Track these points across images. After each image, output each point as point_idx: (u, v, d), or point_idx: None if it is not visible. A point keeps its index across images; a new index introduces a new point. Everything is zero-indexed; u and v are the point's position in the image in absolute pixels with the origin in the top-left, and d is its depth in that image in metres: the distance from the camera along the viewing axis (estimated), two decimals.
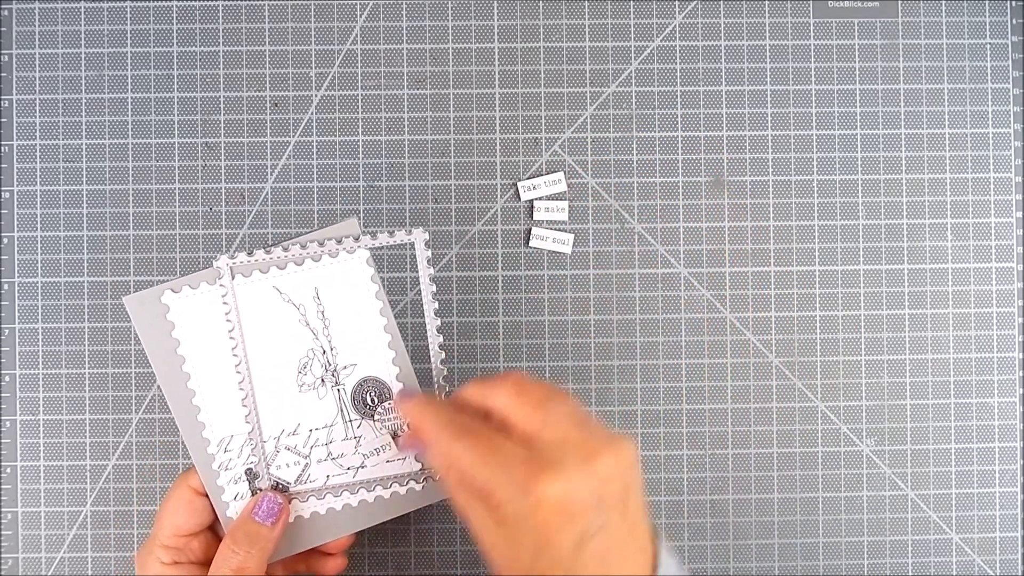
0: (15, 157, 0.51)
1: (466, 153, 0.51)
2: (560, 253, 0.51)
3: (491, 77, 0.52)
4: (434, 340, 0.44)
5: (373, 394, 0.44)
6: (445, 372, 0.44)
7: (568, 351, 0.51)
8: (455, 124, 0.51)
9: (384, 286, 0.43)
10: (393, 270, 0.51)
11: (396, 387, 0.44)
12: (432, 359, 0.44)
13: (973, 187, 0.52)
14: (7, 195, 0.51)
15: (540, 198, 0.51)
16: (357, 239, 0.43)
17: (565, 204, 0.51)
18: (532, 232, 0.51)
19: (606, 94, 0.52)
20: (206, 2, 0.51)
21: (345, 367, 0.43)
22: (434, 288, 0.44)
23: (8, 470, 0.51)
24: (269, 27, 0.51)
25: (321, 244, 0.43)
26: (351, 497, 0.43)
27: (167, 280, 0.42)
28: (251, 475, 0.43)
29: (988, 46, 0.52)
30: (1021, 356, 0.52)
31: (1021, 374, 0.52)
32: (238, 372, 0.42)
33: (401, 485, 0.44)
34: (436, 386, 0.44)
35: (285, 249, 0.43)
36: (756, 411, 0.52)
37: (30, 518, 0.51)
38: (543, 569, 0.35)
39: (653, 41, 0.52)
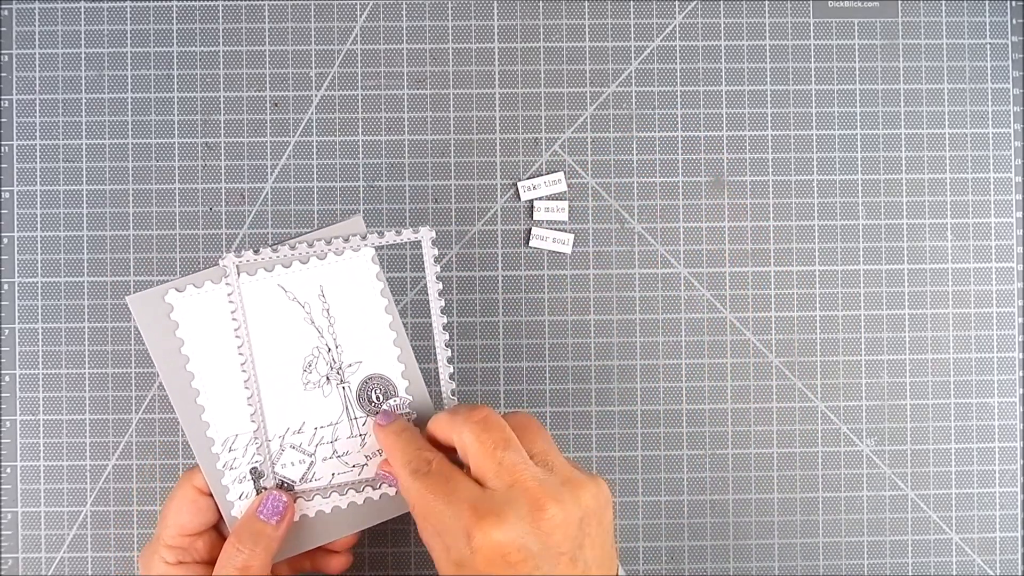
0: (15, 157, 0.51)
1: (466, 153, 0.51)
2: (560, 253, 0.51)
3: (491, 77, 0.52)
4: (440, 338, 0.44)
5: (378, 392, 0.43)
6: (451, 370, 0.44)
7: (568, 351, 0.51)
8: (455, 124, 0.51)
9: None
10: (393, 270, 0.51)
11: (402, 384, 0.44)
12: (438, 357, 0.44)
13: (973, 187, 0.52)
14: (7, 195, 0.51)
15: (540, 198, 0.51)
16: (364, 237, 0.43)
17: (565, 204, 0.51)
18: (532, 232, 0.51)
19: (606, 94, 0.52)
20: (206, 2, 0.51)
21: (350, 365, 0.43)
22: (440, 287, 0.44)
23: (8, 470, 0.51)
24: (269, 27, 0.51)
25: (327, 242, 0.43)
26: (356, 495, 0.43)
27: (168, 280, 0.42)
28: (256, 474, 0.43)
29: (988, 46, 0.52)
30: (1021, 356, 0.52)
31: (1021, 374, 0.52)
32: (243, 371, 0.42)
33: None
34: (442, 384, 0.44)
35: (292, 248, 0.42)
36: (756, 411, 0.52)
37: (30, 518, 0.51)
38: None
39: (653, 41, 0.52)
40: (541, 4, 0.52)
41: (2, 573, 0.50)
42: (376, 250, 0.43)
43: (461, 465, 0.39)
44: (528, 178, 0.52)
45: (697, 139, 0.52)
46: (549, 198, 0.51)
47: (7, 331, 0.51)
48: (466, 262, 0.51)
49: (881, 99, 0.52)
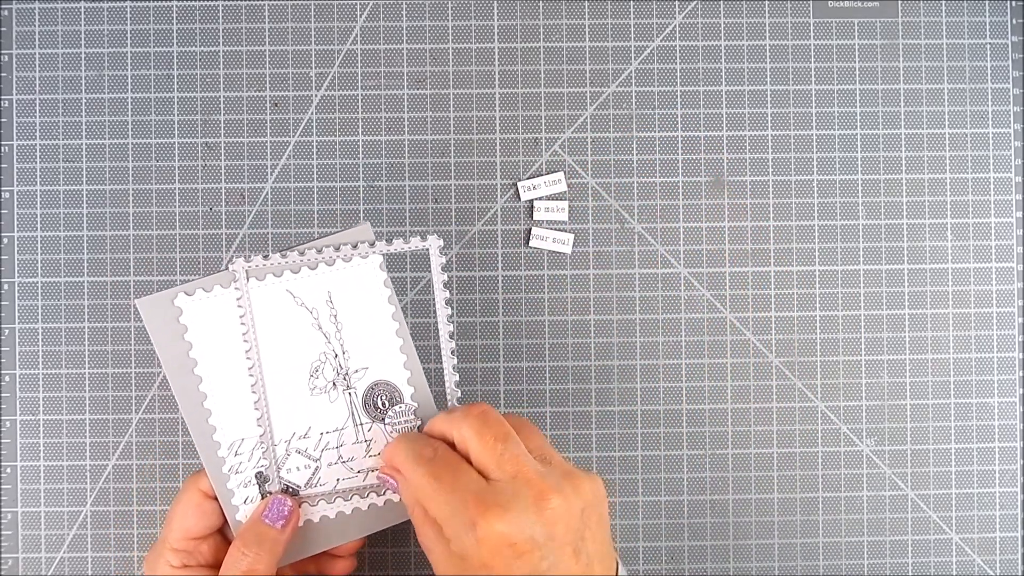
0: (15, 157, 0.51)
1: (466, 153, 0.51)
2: (560, 253, 0.51)
3: (491, 77, 0.52)
4: (447, 346, 0.44)
5: (384, 398, 0.44)
6: (457, 377, 0.44)
7: (568, 351, 0.51)
8: (455, 124, 0.51)
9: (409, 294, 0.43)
10: (393, 270, 0.51)
11: (407, 391, 0.44)
12: (444, 364, 0.44)
13: (973, 187, 0.52)
14: (7, 195, 0.51)
15: (540, 198, 0.51)
16: (372, 244, 0.43)
17: (565, 204, 0.51)
18: (532, 232, 0.51)
19: (606, 94, 0.52)
20: (206, 2, 0.51)
21: (356, 371, 0.43)
22: (447, 295, 0.44)
23: (8, 470, 0.51)
24: (269, 27, 0.51)
25: (336, 249, 0.43)
26: (361, 501, 0.43)
27: (169, 279, 0.42)
28: (261, 479, 0.43)
29: (988, 46, 0.52)
30: (1021, 356, 0.52)
31: (1021, 374, 0.52)
32: (250, 375, 0.42)
33: None
34: (448, 390, 0.44)
35: (301, 253, 0.43)
36: (756, 411, 0.52)
37: (30, 518, 0.51)
38: None
39: (653, 41, 0.52)
40: (541, 4, 0.52)
41: (2, 573, 0.50)
42: (384, 257, 0.43)
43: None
44: (528, 178, 0.52)
45: (697, 139, 0.52)
46: (549, 198, 0.51)
47: (7, 331, 0.51)
48: (466, 262, 0.51)
49: (881, 99, 0.52)
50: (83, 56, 0.51)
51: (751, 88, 0.52)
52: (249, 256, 0.42)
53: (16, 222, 0.51)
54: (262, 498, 0.43)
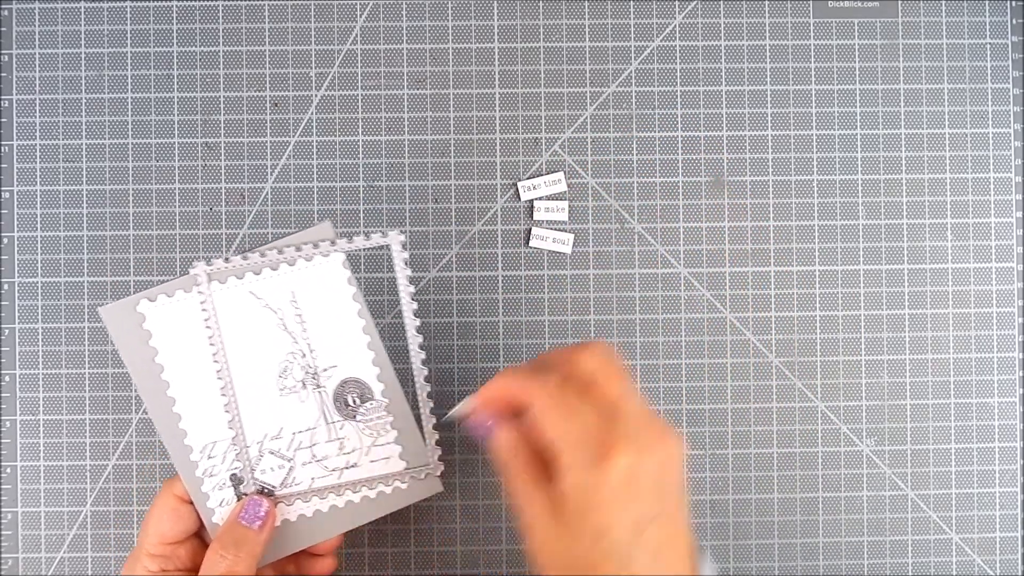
0: (15, 157, 0.51)
1: (466, 153, 0.51)
2: (560, 253, 0.51)
3: (491, 77, 0.52)
4: (414, 340, 0.44)
5: (355, 395, 0.44)
6: (426, 372, 0.44)
7: None
8: (455, 124, 0.51)
9: (363, 287, 0.43)
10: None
11: (378, 387, 0.44)
12: (412, 359, 0.44)
13: (973, 187, 0.52)
14: (7, 195, 0.51)
15: (540, 198, 0.51)
16: (333, 243, 0.43)
17: (565, 204, 0.51)
18: (532, 232, 0.51)
19: (606, 94, 0.52)
20: (206, 2, 0.51)
21: (325, 369, 0.43)
22: (412, 289, 0.44)
23: (8, 470, 0.51)
24: (269, 27, 0.51)
25: (297, 249, 0.43)
26: (337, 498, 0.44)
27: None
28: (236, 480, 0.43)
29: (988, 46, 0.52)
30: (1021, 356, 0.52)
31: (1021, 374, 0.52)
32: (219, 378, 0.43)
33: (387, 485, 0.44)
34: (418, 387, 0.44)
35: (262, 254, 0.43)
36: (756, 411, 0.52)
37: (30, 518, 0.51)
38: (598, 559, 0.34)
39: (653, 41, 0.52)
40: (541, 4, 0.52)
41: (2, 573, 0.50)
42: (352, 252, 0.43)
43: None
44: (528, 178, 0.52)
45: (697, 139, 0.52)
46: (549, 198, 0.51)
47: (7, 331, 0.51)
48: (466, 262, 0.51)
49: (881, 99, 0.52)
50: (83, 56, 0.51)
51: (751, 88, 0.52)
52: (210, 259, 0.42)
53: (16, 222, 0.51)
54: (238, 500, 0.43)
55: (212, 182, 0.51)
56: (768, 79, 0.52)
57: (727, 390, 0.52)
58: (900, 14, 0.52)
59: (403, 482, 0.44)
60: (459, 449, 0.51)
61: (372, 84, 0.51)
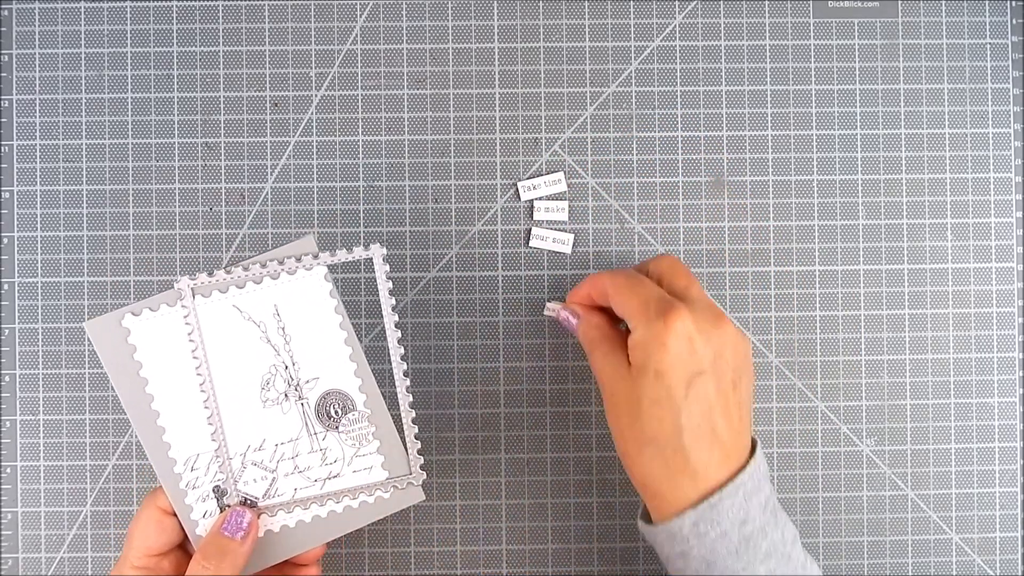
0: (15, 157, 0.51)
1: (466, 153, 0.51)
2: (560, 253, 0.51)
3: (491, 77, 0.52)
4: (395, 352, 0.44)
5: (337, 406, 0.44)
6: (408, 383, 0.44)
7: (568, 351, 0.51)
8: (455, 124, 0.51)
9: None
10: (393, 270, 0.51)
11: (360, 398, 0.44)
12: (394, 371, 0.44)
13: (973, 187, 0.52)
14: (7, 195, 0.51)
15: (540, 198, 0.51)
16: (315, 256, 0.43)
17: (565, 204, 0.51)
18: (532, 232, 0.51)
19: (606, 94, 0.52)
20: (206, 2, 0.51)
21: (308, 381, 0.44)
22: (394, 302, 0.44)
23: (8, 470, 0.51)
24: (269, 27, 0.51)
25: (280, 262, 0.43)
26: (320, 509, 0.44)
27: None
28: (219, 492, 0.43)
29: (988, 46, 0.52)
30: (1021, 356, 0.52)
31: (1021, 374, 0.52)
32: (202, 391, 0.43)
33: (368, 495, 0.44)
34: (400, 398, 0.44)
35: (245, 268, 0.43)
36: (756, 411, 0.52)
37: (30, 518, 0.51)
38: (657, 396, 0.40)
39: (653, 41, 0.52)
40: (541, 4, 0.52)
41: (2, 573, 0.50)
42: (329, 268, 0.44)
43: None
44: (528, 178, 0.52)
45: (697, 139, 0.52)
46: (549, 198, 0.51)
47: (7, 331, 0.51)
48: (466, 262, 0.51)
49: (881, 99, 0.52)
50: (83, 56, 0.51)
51: (751, 88, 0.52)
52: (194, 274, 0.43)
53: (16, 222, 0.51)
54: (221, 511, 0.43)
55: (212, 182, 0.51)
56: (768, 79, 0.52)
57: None
58: (900, 14, 0.52)
59: (385, 492, 0.44)
60: (459, 449, 0.51)
61: (372, 84, 0.51)
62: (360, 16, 0.52)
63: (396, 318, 0.44)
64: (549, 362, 0.51)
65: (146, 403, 0.43)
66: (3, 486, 0.51)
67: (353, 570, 0.51)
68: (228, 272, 0.43)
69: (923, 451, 0.52)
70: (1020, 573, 0.52)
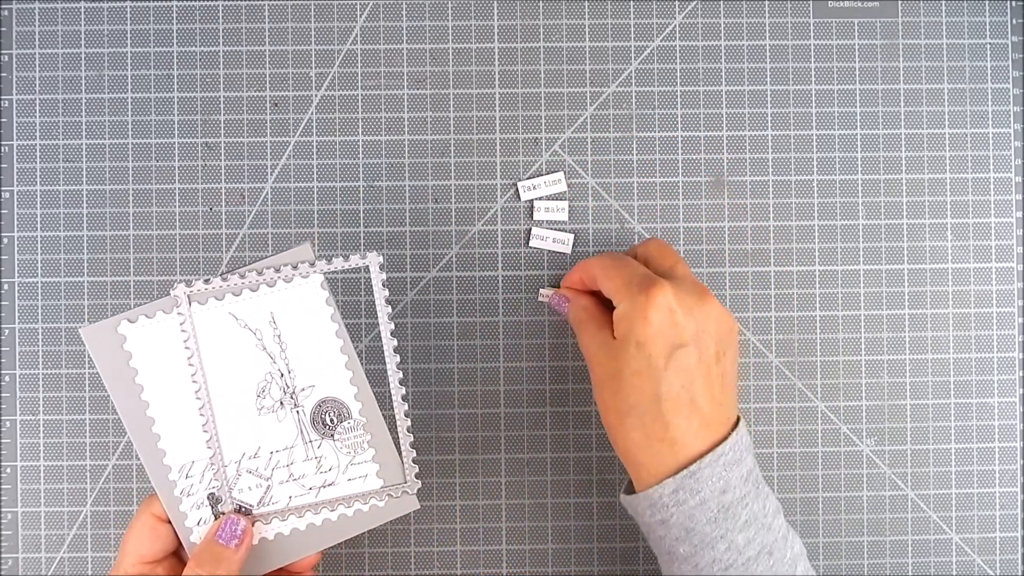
0: (15, 157, 0.51)
1: (466, 153, 0.51)
2: (560, 253, 0.51)
3: (491, 77, 0.52)
4: (391, 360, 0.44)
5: (332, 414, 0.44)
6: (404, 391, 0.44)
7: (568, 351, 0.51)
8: (455, 124, 0.51)
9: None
10: (392, 270, 0.51)
11: (355, 407, 0.44)
12: (389, 380, 0.44)
13: (973, 187, 0.52)
14: (7, 195, 0.51)
15: (540, 198, 0.51)
16: (312, 264, 0.43)
17: (565, 204, 0.51)
18: (532, 232, 0.51)
19: (606, 94, 0.52)
20: (206, 2, 0.51)
21: (303, 389, 0.44)
22: (390, 310, 0.44)
23: (8, 470, 0.51)
24: (269, 27, 0.51)
25: (276, 270, 0.43)
26: (314, 517, 0.44)
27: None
28: (214, 499, 0.43)
29: (988, 46, 0.52)
30: (1021, 356, 0.52)
31: (1021, 374, 0.52)
32: (198, 398, 0.43)
33: (363, 503, 0.44)
34: (395, 407, 0.44)
35: (242, 276, 0.43)
36: (756, 411, 0.52)
37: (30, 518, 0.51)
38: (637, 367, 0.40)
39: (653, 41, 0.52)
40: (541, 4, 0.52)
41: (2, 573, 0.50)
42: (326, 277, 0.44)
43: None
44: (528, 178, 0.52)
45: (697, 139, 0.52)
46: (549, 198, 0.51)
47: (7, 331, 0.51)
48: (466, 262, 0.51)
49: (881, 99, 0.52)
50: (83, 56, 0.51)
51: (751, 88, 0.52)
52: (190, 281, 0.43)
53: (16, 222, 0.51)
54: (215, 519, 0.43)
55: (212, 182, 0.51)
56: (768, 79, 0.52)
57: None
58: (900, 14, 0.52)
59: (380, 500, 0.44)
60: (459, 449, 0.51)
61: (372, 84, 0.51)
62: (360, 16, 0.52)
63: (392, 326, 0.44)
64: (549, 362, 0.51)
65: (141, 410, 0.43)
66: (3, 486, 0.51)
67: (353, 570, 0.51)
68: (224, 279, 0.43)
69: (923, 451, 0.52)
70: (1020, 573, 0.52)
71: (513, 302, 0.51)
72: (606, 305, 0.46)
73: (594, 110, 0.52)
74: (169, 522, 0.43)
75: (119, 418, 0.50)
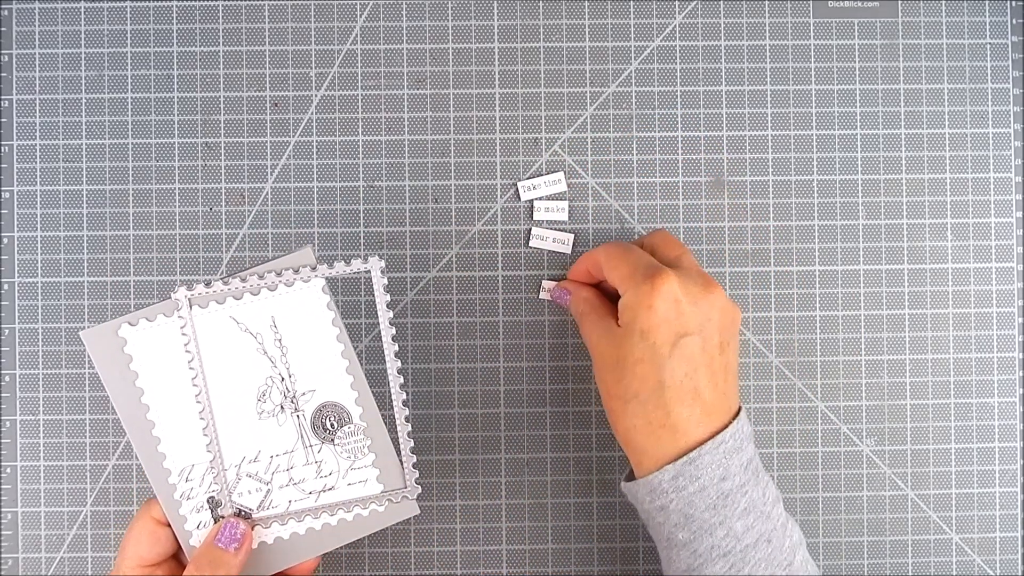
0: (15, 157, 0.51)
1: (466, 153, 0.51)
2: (560, 253, 0.51)
3: (491, 77, 0.52)
4: (392, 365, 0.44)
5: (333, 419, 0.44)
6: (404, 396, 0.44)
7: (568, 351, 0.51)
8: (455, 124, 0.52)
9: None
10: (392, 270, 0.51)
11: (356, 411, 0.44)
12: (390, 384, 0.44)
13: (973, 187, 0.52)
14: (7, 195, 0.51)
15: (540, 198, 0.51)
16: (313, 268, 0.43)
17: (565, 204, 0.51)
18: (532, 232, 0.51)
19: (606, 94, 0.52)
20: (206, 2, 0.51)
21: (304, 393, 0.44)
22: (391, 314, 0.44)
23: (8, 470, 0.51)
24: (269, 27, 0.51)
25: (278, 274, 0.43)
26: (314, 521, 0.44)
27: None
28: (213, 503, 0.43)
29: (988, 46, 0.52)
30: (1021, 356, 0.52)
31: (1021, 374, 0.52)
32: (198, 402, 0.43)
33: (363, 507, 0.44)
34: (396, 411, 0.44)
35: (243, 280, 0.43)
36: (756, 411, 0.52)
37: (30, 518, 0.51)
38: (640, 355, 0.41)
39: (653, 41, 0.52)
40: (541, 4, 0.52)
41: (2, 573, 0.50)
42: (327, 281, 0.44)
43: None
44: (528, 178, 0.52)
45: (697, 139, 0.52)
46: (549, 198, 0.51)
47: (7, 331, 0.51)
48: (466, 262, 0.51)
49: (881, 99, 0.52)
50: (83, 56, 0.51)
51: (751, 88, 0.52)
52: (191, 284, 0.43)
53: (16, 222, 0.51)
54: (215, 522, 0.43)
55: (212, 182, 0.51)
56: (768, 79, 0.52)
57: None
58: (900, 14, 0.52)
59: (380, 505, 0.44)
60: (459, 449, 0.51)
61: (372, 84, 0.51)
62: (360, 16, 0.52)
63: (393, 330, 0.44)
64: (549, 362, 0.51)
65: (142, 413, 0.43)
66: (3, 486, 0.51)
67: (353, 570, 0.51)
68: (226, 283, 0.43)
69: (923, 451, 0.52)
70: (1020, 573, 0.52)
71: (513, 302, 0.51)
72: (609, 297, 0.46)
73: (594, 110, 0.52)
74: (169, 525, 0.43)
75: (119, 418, 0.51)
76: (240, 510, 0.43)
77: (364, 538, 0.50)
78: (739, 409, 0.43)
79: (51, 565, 0.51)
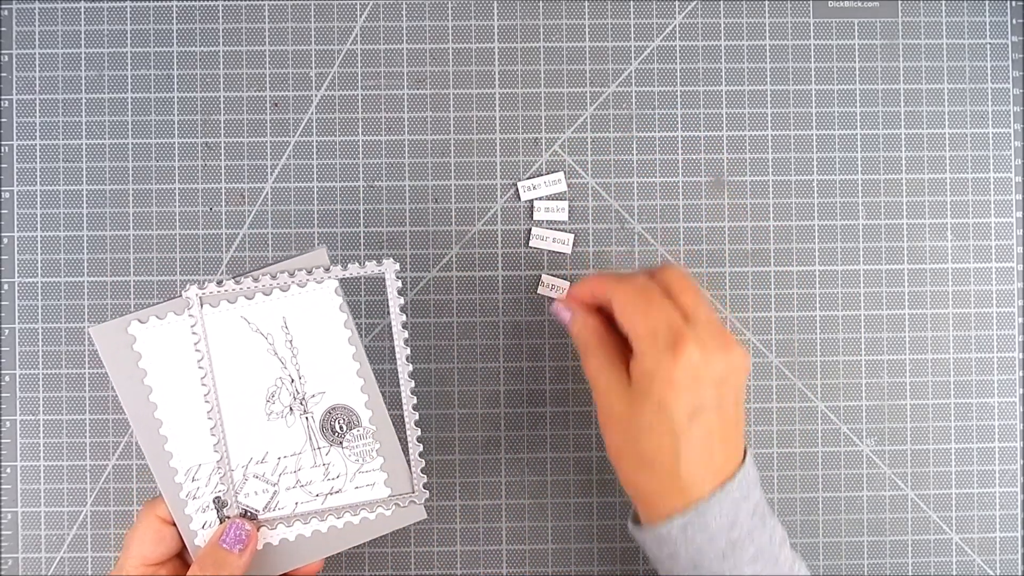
0: (15, 157, 0.51)
1: (466, 153, 0.51)
2: (560, 253, 0.51)
3: (491, 77, 0.52)
4: (404, 368, 0.44)
5: (342, 422, 0.44)
6: (415, 400, 0.44)
7: (568, 351, 0.51)
8: (455, 124, 0.52)
9: (364, 309, 0.43)
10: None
11: (365, 415, 0.44)
12: (401, 386, 0.44)
13: (973, 187, 0.52)
14: (7, 195, 0.51)
15: (540, 198, 0.51)
16: (327, 269, 0.43)
17: (565, 204, 0.51)
18: (532, 232, 0.51)
19: (606, 94, 0.52)
20: (206, 2, 0.51)
21: (313, 395, 0.44)
22: (404, 318, 0.44)
23: (8, 470, 0.51)
24: (269, 27, 0.51)
25: (291, 274, 0.43)
26: (320, 523, 0.44)
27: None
28: (219, 503, 0.43)
29: (988, 46, 0.52)
30: (1021, 356, 0.52)
31: (1021, 374, 0.52)
32: (206, 401, 0.43)
33: (370, 511, 0.44)
34: (406, 415, 0.44)
35: (255, 279, 0.43)
36: (756, 411, 0.52)
37: (30, 518, 0.51)
38: (655, 425, 0.40)
39: (653, 41, 0.52)
40: (541, 4, 0.52)
41: (2, 573, 0.50)
42: (340, 282, 0.43)
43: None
44: (528, 178, 0.52)
45: (697, 139, 0.52)
46: (549, 198, 0.51)
47: (7, 331, 0.51)
48: (466, 262, 0.51)
49: (881, 99, 0.52)
50: (83, 56, 0.51)
51: (751, 88, 0.52)
52: (203, 283, 0.43)
53: (16, 222, 0.51)
54: (220, 523, 0.43)
55: (212, 182, 0.51)
56: (768, 79, 0.52)
57: None
58: (900, 14, 0.52)
59: (387, 509, 0.44)
60: (459, 449, 0.51)
61: (372, 84, 0.51)
62: (360, 16, 0.52)
63: (406, 334, 0.44)
64: (549, 362, 0.51)
65: (149, 411, 0.43)
66: (3, 486, 0.51)
67: (353, 570, 0.51)
68: (237, 283, 0.43)
69: (923, 451, 0.52)
70: (1020, 573, 0.52)
71: (513, 302, 0.51)
72: (613, 322, 0.44)
73: (594, 110, 0.52)
74: (173, 524, 0.43)
75: (119, 418, 0.51)
76: (246, 511, 0.43)
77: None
78: (745, 452, 0.42)
79: (51, 565, 0.51)
